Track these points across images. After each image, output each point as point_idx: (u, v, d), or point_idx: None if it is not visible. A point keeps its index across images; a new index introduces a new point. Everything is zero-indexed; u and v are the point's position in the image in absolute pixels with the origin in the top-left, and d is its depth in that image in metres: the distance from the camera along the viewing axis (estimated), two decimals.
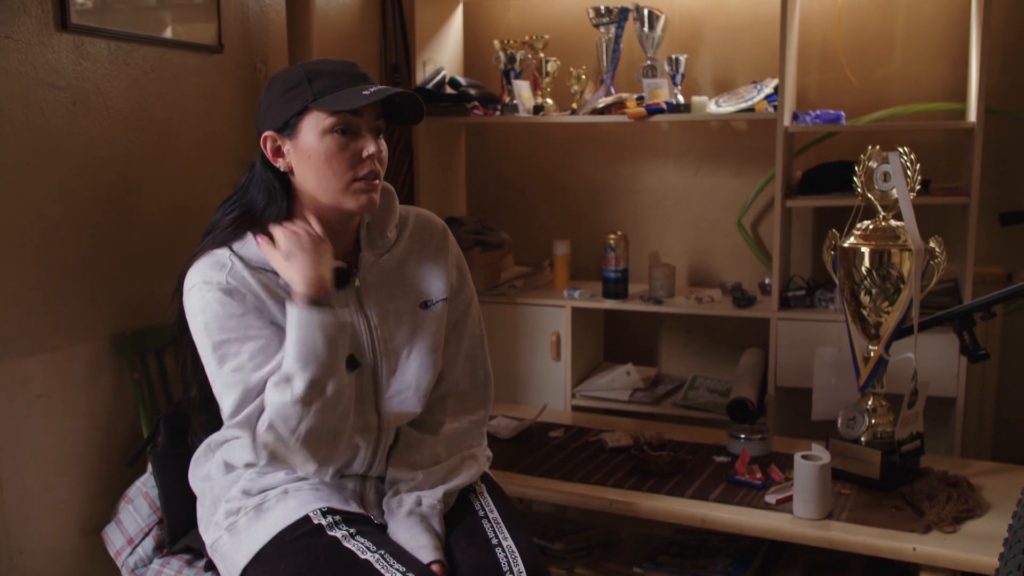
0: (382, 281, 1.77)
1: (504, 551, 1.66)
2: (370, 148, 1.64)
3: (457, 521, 1.73)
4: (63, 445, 2.01)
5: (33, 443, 1.93)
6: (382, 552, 1.58)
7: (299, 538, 1.63)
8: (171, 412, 2.03)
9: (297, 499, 1.68)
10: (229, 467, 1.77)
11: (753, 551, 2.45)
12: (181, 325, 1.71)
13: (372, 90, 1.61)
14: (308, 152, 1.64)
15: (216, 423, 1.85)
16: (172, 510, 1.96)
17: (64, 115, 1.98)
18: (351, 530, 1.62)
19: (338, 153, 1.63)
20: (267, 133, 1.67)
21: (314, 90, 1.62)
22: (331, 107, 1.60)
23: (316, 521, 1.64)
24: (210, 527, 1.75)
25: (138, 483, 2.03)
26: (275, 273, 1.65)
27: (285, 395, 1.55)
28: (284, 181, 1.69)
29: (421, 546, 1.63)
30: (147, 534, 1.97)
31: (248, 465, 1.73)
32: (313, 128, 1.63)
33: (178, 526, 1.96)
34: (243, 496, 1.71)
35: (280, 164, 1.68)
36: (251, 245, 1.67)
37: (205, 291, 1.61)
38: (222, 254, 1.65)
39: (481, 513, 1.75)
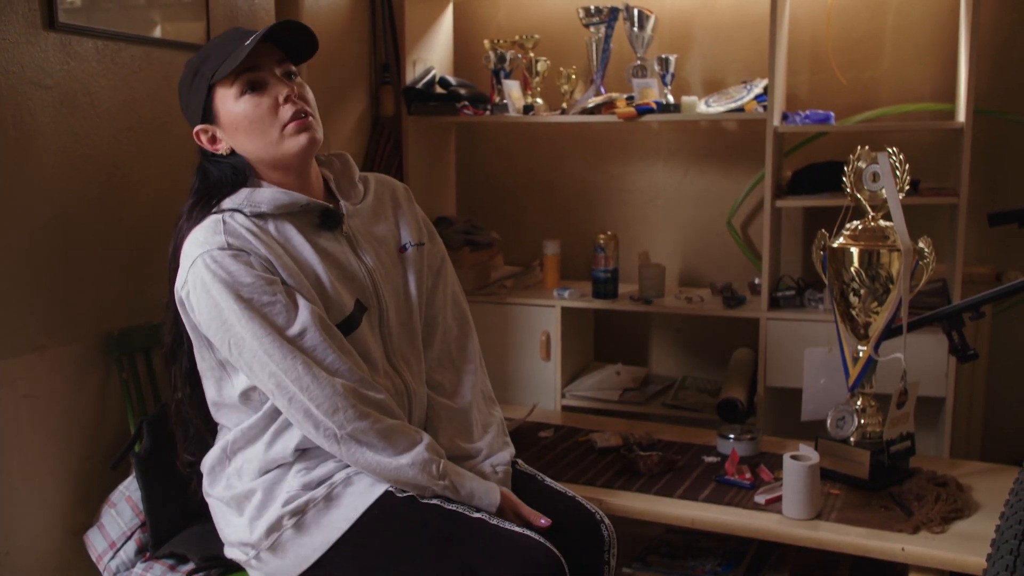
0: (364, 227, 1.81)
1: (581, 500, 1.76)
2: (283, 92, 1.68)
3: (522, 487, 1.78)
4: (49, 446, 1.99)
5: (19, 444, 1.92)
6: (483, 513, 1.62)
7: (391, 511, 1.62)
8: (156, 414, 2.02)
9: (365, 481, 1.65)
10: (263, 469, 1.71)
11: (742, 551, 2.45)
12: (176, 329, 1.72)
13: (251, 38, 1.65)
14: (233, 123, 1.68)
15: (206, 431, 1.83)
16: (155, 513, 1.94)
17: (51, 114, 1.97)
18: (438, 500, 1.64)
19: (256, 110, 1.67)
20: (196, 129, 1.72)
21: (209, 70, 1.67)
22: (225, 72, 1.64)
23: (400, 495, 1.64)
24: (256, 533, 1.68)
25: (121, 487, 2.01)
26: (274, 217, 1.67)
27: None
28: (235, 160, 1.72)
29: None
30: (129, 537, 1.95)
31: (299, 451, 1.68)
32: (225, 101, 1.68)
33: (162, 530, 1.94)
34: (304, 490, 1.66)
35: (221, 148, 1.72)
36: (253, 191, 1.68)
37: (210, 259, 1.60)
38: (212, 219, 1.65)
39: (538, 476, 1.83)
